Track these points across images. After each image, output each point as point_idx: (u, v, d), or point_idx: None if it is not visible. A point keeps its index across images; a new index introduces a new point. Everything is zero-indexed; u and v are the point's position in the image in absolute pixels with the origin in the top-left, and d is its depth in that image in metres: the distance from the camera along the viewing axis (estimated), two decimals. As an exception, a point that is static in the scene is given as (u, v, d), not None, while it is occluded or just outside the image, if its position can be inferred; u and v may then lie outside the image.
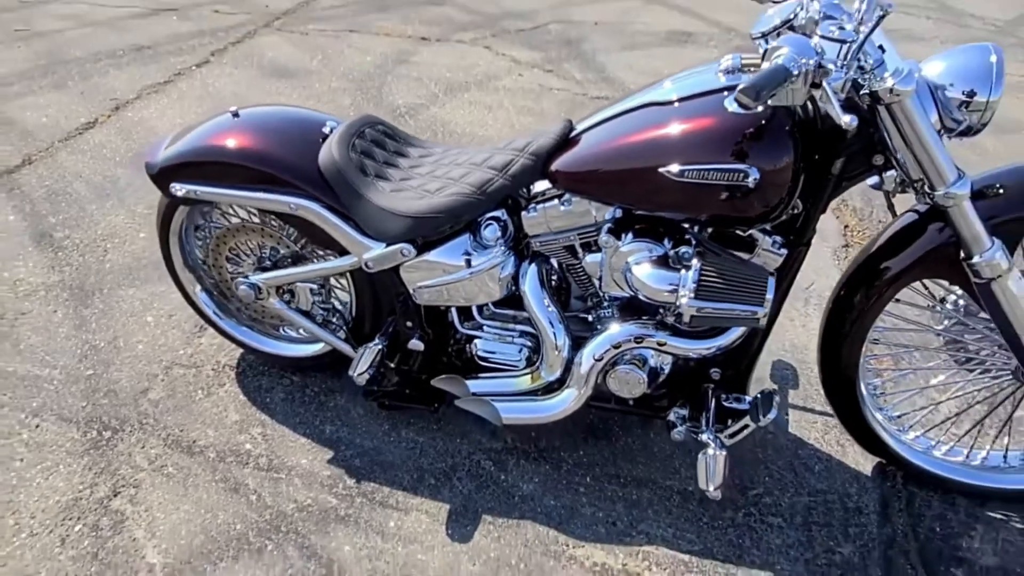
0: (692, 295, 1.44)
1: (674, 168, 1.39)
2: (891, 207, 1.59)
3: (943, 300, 1.65)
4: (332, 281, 1.96)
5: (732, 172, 1.35)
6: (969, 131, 1.36)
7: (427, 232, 1.64)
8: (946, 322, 1.66)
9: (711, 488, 1.56)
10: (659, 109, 1.44)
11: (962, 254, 1.43)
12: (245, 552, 1.67)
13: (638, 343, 1.60)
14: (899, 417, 1.81)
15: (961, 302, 1.62)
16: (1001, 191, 1.42)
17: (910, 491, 1.81)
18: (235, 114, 1.79)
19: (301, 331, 2.06)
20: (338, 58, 4.17)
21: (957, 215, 1.38)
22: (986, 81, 1.32)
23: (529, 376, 1.74)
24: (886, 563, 1.66)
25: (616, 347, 1.61)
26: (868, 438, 1.79)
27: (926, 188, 1.38)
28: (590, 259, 1.62)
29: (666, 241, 1.53)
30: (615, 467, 1.87)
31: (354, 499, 1.79)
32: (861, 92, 1.30)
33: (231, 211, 1.91)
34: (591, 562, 1.66)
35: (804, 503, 1.79)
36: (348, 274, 1.84)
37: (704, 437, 1.62)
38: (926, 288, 1.65)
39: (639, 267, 1.51)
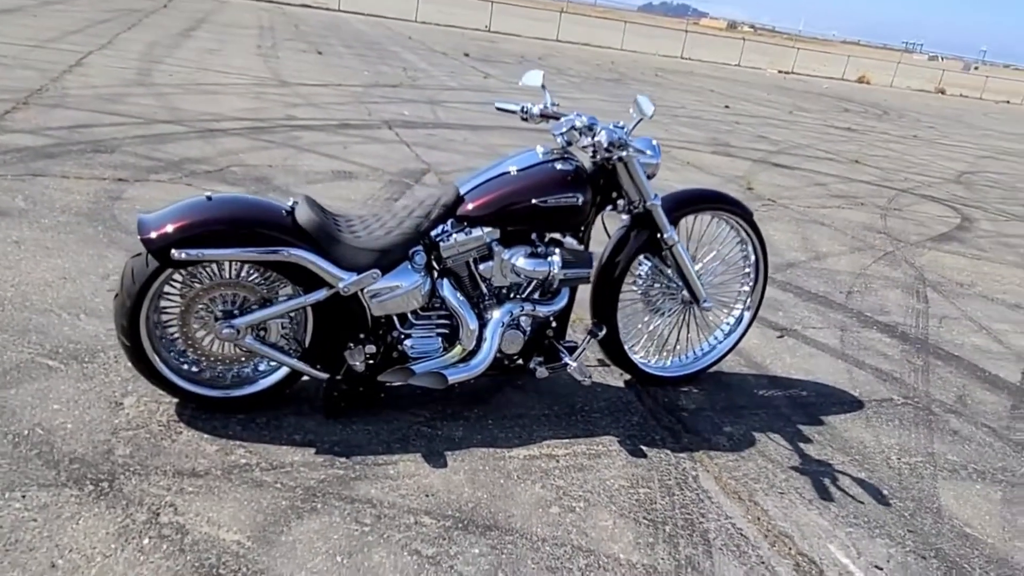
0: (559, 267, 2.59)
1: (539, 200, 2.55)
2: (606, 230, 2.99)
3: (639, 276, 3.11)
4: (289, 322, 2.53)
5: (570, 197, 2.58)
6: (652, 176, 2.85)
7: (388, 260, 2.46)
8: (643, 285, 3.11)
9: (585, 380, 2.70)
10: (518, 173, 2.61)
11: (659, 236, 2.89)
12: (303, 511, 2.15)
13: (522, 312, 2.66)
14: (631, 346, 3.19)
15: (648, 272, 3.09)
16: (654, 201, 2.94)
17: (648, 388, 3.18)
18: (209, 198, 2.35)
19: (269, 363, 2.54)
20: (43, 197, 4.24)
21: (655, 214, 2.84)
22: (655, 153, 2.82)
23: (456, 350, 2.63)
24: (653, 416, 2.96)
25: (511, 315, 2.64)
26: (623, 363, 3.11)
27: (642, 203, 2.81)
28: (483, 266, 2.64)
29: (525, 245, 2.66)
30: (501, 412, 2.83)
31: (354, 467, 2.38)
32: (612, 157, 2.69)
33: (204, 273, 2.37)
34: (521, 455, 2.58)
35: (604, 404, 3.00)
36: (310, 309, 2.48)
37: (565, 359, 2.74)
38: (630, 272, 3.09)
39: (518, 261, 2.61)
